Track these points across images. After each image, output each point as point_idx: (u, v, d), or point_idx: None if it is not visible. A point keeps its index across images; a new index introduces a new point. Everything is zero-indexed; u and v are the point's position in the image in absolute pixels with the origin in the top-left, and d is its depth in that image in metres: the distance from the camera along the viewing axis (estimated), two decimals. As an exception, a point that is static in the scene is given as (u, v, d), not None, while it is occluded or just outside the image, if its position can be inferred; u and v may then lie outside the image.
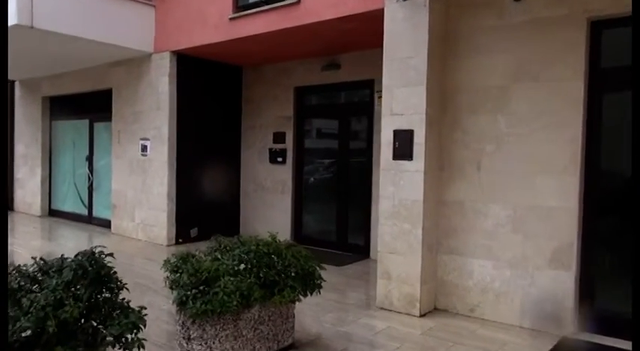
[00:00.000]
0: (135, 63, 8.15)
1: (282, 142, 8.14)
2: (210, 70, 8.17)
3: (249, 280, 3.03)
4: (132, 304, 2.70)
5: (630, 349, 2.26)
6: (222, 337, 3.12)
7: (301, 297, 3.48)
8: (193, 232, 8.02)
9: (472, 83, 4.55)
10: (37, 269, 2.51)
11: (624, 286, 3.58)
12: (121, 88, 8.52)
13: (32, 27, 6.35)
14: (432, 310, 4.72)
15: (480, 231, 4.54)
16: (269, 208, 8.37)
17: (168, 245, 7.71)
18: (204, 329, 3.10)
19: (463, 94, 4.61)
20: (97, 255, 2.53)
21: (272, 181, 8.32)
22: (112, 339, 2.42)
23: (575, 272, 4.07)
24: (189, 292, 3.08)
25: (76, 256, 2.52)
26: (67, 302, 2.22)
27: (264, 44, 6.94)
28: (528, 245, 4.27)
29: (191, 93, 7.93)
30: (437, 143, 4.69)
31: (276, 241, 3.52)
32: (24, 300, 2.23)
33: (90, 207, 9.77)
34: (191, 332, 3.15)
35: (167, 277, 3.37)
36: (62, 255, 2.60)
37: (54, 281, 2.31)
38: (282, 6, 6.10)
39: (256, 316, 3.27)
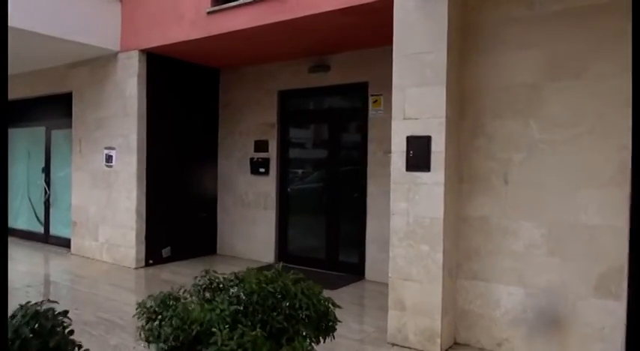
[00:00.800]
0: (99, 63, 7.28)
1: (265, 151, 7.40)
2: (184, 71, 7.38)
3: (253, 333, 2.30)
4: (96, 348, 1.90)
5: None
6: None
7: (314, 346, 2.76)
8: (165, 251, 7.16)
9: (497, 82, 3.96)
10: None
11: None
12: (82, 91, 7.61)
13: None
14: (452, 345, 4.07)
15: (507, 252, 3.93)
16: (250, 223, 7.59)
17: (137, 268, 6.82)
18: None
19: (486, 95, 4.02)
20: (46, 314, 1.74)
21: (254, 193, 7.55)
22: None
23: (626, 302, 3.49)
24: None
25: (12, 316, 1.73)
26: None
27: (246, 42, 6.22)
28: (568, 270, 3.67)
29: (162, 96, 7.11)
30: (456, 151, 4.08)
31: (281, 275, 2.79)
32: None
33: (46, 224, 8.73)
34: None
35: (142, 326, 2.59)
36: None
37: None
38: (269, -3, 5.41)
39: (259, 375, 2.53)
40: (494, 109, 3.98)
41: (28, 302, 1.90)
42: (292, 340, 2.60)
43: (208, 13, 5.95)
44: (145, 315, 2.59)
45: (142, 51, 6.80)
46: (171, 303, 2.58)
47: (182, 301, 2.64)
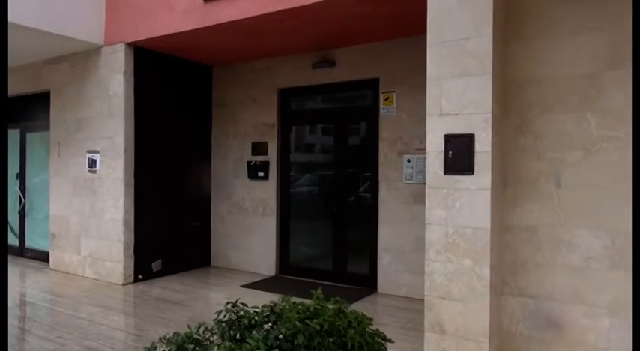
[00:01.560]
0: (79, 58, 6.61)
1: (264, 154, 6.83)
2: (174, 67, 6.76)
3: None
4: None
5: None
6: None
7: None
8: (156, 265, 6.52)
9: (546, 72, 3.49)
10: None
11: None
12: (61, 89, 6.92)
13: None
14: (498, 372, 3.58)
15: (561, 266, 3.45)
16: (247, 233, 7.00)
17: (124, 284, 6.15)
18: None
19: (533, 87, 3.54)
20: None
21: (251, 200, 6.96)
22: None
23: None
24: None
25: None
26: None
27: (245, 34, 5.65)
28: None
29: (151, 95, 6.48)
30: (499, 152, 3.59)
31: (323, 306, 2.25)
32: None
33: (22, 236, 7.97)
34: None
35: (152, 378, 2.01)
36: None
37: None
38: (275, -18, 4.86)
39: None
40: (543, 103, 3.50)
41: None
42: (344, 390, 2.06)
43: (205, 0, 5.37)
44: (157, 365, 2.01)
45: (129, 44, 6.17)
46: (190, 348, 2.01)
47: (204, 342, 2.07)
